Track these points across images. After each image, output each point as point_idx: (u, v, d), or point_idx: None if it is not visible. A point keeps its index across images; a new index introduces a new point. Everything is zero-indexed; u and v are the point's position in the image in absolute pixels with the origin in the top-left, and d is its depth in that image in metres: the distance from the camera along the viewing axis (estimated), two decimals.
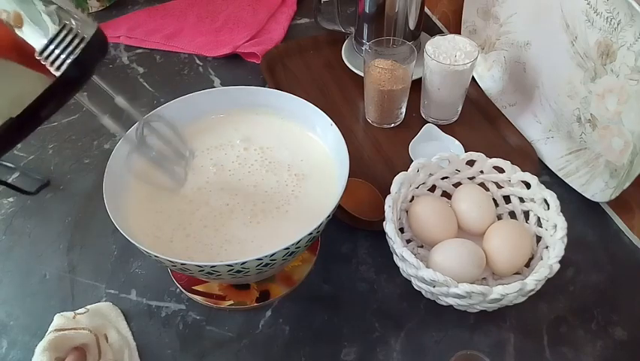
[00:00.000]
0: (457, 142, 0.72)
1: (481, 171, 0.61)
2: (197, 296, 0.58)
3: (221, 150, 0.59)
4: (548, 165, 0.70)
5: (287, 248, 0.46)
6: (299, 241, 0.47)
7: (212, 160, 0.58)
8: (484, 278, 0.57)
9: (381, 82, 0.70)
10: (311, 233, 0.48)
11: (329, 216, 0.49)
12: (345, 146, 0.54)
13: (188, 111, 0.60)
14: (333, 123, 0.57)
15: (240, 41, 0.90)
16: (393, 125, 0.76)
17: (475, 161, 0.61)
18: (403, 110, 0.75)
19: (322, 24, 0.86)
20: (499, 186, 0.62)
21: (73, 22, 0.37)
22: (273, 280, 0.59)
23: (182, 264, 0.45)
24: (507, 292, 0.49)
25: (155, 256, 0.46)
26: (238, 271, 0.47)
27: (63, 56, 0.37)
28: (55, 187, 0.70)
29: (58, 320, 0.54)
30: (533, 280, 0.49)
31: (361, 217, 0.61)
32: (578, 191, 0.66)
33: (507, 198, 0.62)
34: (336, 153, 0.57)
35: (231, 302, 0.57)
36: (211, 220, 0.53)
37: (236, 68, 0.88)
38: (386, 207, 0.55)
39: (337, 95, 0.81)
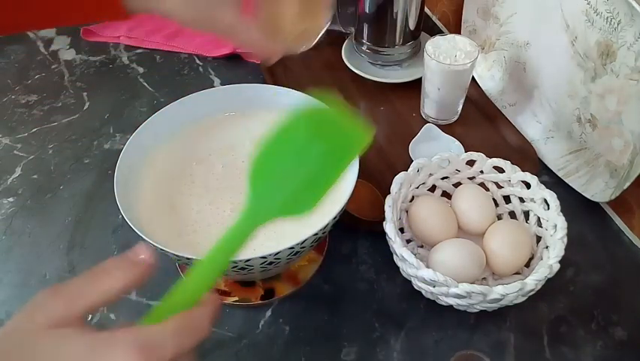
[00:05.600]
0: (457, 142, 0.71)
1: (481, 171, 0.61)
2: None
3: (230, 149, 0.60)
4: (548, 165, 0.70)
5: (292, 248, 0.46)
6: (304, 241, 0.47)
7: (221, 159, 0.59)
8: (484, 278, 0.57)
9: None
10: (316, 234, 0.48)
11: (335, 217, 0.49)
12: None
13: (200, 108, 0.60)
14: None
15: None
16: None
17: (475, 161, 0.61)
18: None
19: None
20: (499, 186, 0.62)
21: None
22: (279, 279, 0.59)
23: (187, 258, 0.46)
24: (507, 292, 0.49)
25: (161, 250, 0.46)
26: (242, 268, 0.47)
27: None
28: (55, 187, 0.70)
29: None
30: (533, 280, 0.49)
31: (361, 217, 0.61)
32: (578, 191, 0.66)
33: (507, 198, 0.62)
34: None
35: (236, 298, 0.57)
36: (215, 218, 0.53)
37: (236, 68, 0.88)
38: (386, 207, 0.55)
39: (337, 95, 0.81)
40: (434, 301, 0.54)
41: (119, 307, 0.57)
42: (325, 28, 0.52)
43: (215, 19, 0.46)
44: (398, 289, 0.58)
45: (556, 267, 0.50)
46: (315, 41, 0.53)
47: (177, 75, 0.87)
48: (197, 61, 0.89)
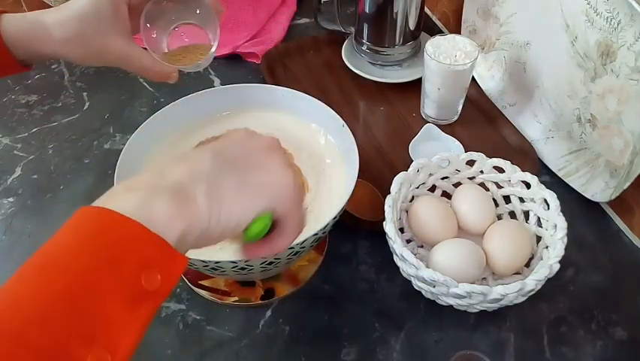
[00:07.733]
0: (457, 142, 0.71)
1: (481, 171, 0.61)
2: (202, 291, 0.58)
3: None
4: (548, 165, 0.70)
5: (292, 248, 0.46)
6: (304, 241, 0.47)
7: None
8: (484, 278, 0.57)
9: None
10: (316, 234, 0.48)
11: (335, 217, 0.49)
12: (356, 147, 0.54)
13: (200, 108, 0.61)
14: (345, 125, 0.57)
15: (240, 41, 0.90)
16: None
17: (475, 161, 0.61)
18: None
19: (322, 24, 0.86)
20: (499, 186, 0.62)
21: None
22: (279, 279, 0.59)
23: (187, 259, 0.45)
24: (507, 292, 0.49)
25: None
26: (242, 268, 0.47)
27: None
28: (55, 187, 0.70)
29: None
30: (533, 280, 0.49)
31: (361, 217, 0.61)
32: (578, 191, 0.66)
33: (507, 198, 0.62)
34: (345, 154, 0.57)
35: (236, 298, 0.57)
36: None
37: (236, 68, 0.88)
38: (386, 207, 0.55)
39: (337, 95, 0.81)
40: (434, 301, 0.54)
41: None
42: (214, 49, 0.52)
43: (107, 51, 0.49)
44: (398, 289, 0.58)
45: (556, 267, 0.50)
46: (208, 62, 0.53)
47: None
48: None
